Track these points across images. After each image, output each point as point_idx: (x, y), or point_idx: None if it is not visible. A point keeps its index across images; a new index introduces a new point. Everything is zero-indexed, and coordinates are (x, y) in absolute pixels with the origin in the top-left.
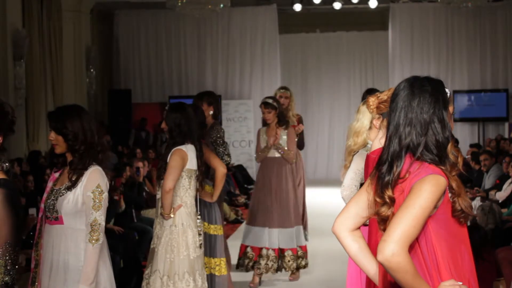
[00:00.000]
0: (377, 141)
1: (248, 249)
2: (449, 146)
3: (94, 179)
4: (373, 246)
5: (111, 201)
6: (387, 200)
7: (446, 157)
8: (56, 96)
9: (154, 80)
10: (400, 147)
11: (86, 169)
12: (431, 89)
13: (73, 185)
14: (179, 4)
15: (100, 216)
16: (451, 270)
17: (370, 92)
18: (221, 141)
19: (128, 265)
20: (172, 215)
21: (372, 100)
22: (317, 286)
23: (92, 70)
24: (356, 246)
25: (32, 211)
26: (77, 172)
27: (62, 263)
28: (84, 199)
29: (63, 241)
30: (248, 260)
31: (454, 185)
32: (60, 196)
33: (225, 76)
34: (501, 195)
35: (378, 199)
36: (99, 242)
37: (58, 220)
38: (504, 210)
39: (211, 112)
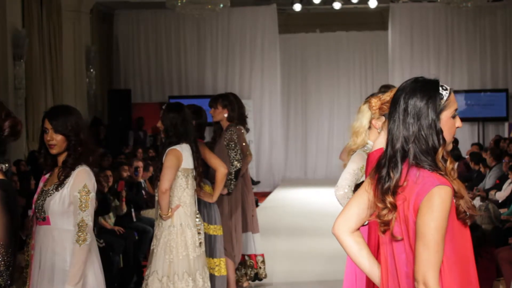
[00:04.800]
0: (379, 140)
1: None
2: (439, 153)
3: (81, 180)
4: (373, 246)
5: (104, 201)
6: (388, 205)
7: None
8: (56, 96)
9: (154, 80)
10: (393, 152)
11: (73, 169)
12: (421, 94)
13: (60, 184)
14: (179, 4)
15: (87, 217)
16: (455, 272)
17: (386, 87)
18: (233, 145)
19: (128, 265)
20: (170, 216)
21: (375, 101)
22: (317, 286)
23: (92, 70)
24: (357, 247)
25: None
26: (65, 172)
27: (49, 263)
28: (71, 200)
29: (50, 241)
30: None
31: (456, 188)
32: (48, 196)
33: (225, 76)
34: (500, 195)
35: (379, 204)
36: (86, 242)
37: (45, 220)
38: (504, 210)
39: (226, 115)
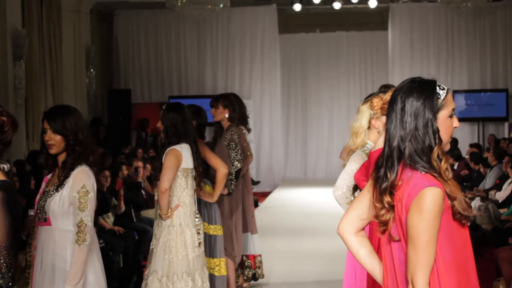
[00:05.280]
0: (381, 140)
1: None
2: (434, 153)
3: (80, 180)
4: (374, 243)
5: (103, 200)
6: (386, 205)
7: (431, 163)
8: (56, 96)
9: (154, 80)
10: (390, 152)
11: (73, 169)
12: (417, 94)
13: (60, 185)
14: (179, 4)
15: (86, 217)
16: (453, 273)
17: (386, 87)
18: (233, 145)
19: (128, 265)
20: (169, 216)
21: (376, 101)
22: (317, 286)
23: (92, 70)
24: (359, 247)
25: (33, 212)
26: (65, 172)
27: (50, 264)
28: (71, 200)
29: (51, 242)
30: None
31: (447, 190)
32: (49, 197)
33: (225, 76)
34: (500, 195)
35: (377, 204)
36: (85, 243)
37: (46, 221)
38: (504, 210)
39: (227, 115)
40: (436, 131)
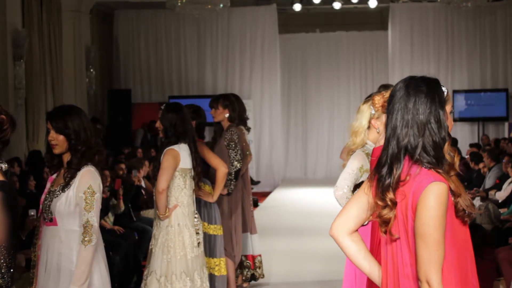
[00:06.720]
0: (382, 139)
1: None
2: (446, 146)
3: (86, 180)
4: (376, 246)
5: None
6: (389, 202)
7: (443, 158)
8: (56, 96)
9: (154, 80)
10: (398, 149)
11: (79, 169)
12: (427, 89)
13: (66, 185)
14: (179, 4)
15: (92, 217)
16: (454, 271)
17: (385, 87)
18: (233, 145)
19: (128, 265)
20: (167, 216)
21: (378, 98)
22: (316, 286)
23: (92, 70)
24: (355, 249)
25: (33, 212)
26: (71, 172)
27: (55, 264)
28: (77, 200)
29: (57, 242)
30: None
31: (452, 186)
32: (55, 197)
33: (225, 76)
34: (500, 195)
35: (379, 202)
36: (91, 243)
37: (52, 221)
38: (504, 210)
39: (227, 115)
40: (446, 127)
